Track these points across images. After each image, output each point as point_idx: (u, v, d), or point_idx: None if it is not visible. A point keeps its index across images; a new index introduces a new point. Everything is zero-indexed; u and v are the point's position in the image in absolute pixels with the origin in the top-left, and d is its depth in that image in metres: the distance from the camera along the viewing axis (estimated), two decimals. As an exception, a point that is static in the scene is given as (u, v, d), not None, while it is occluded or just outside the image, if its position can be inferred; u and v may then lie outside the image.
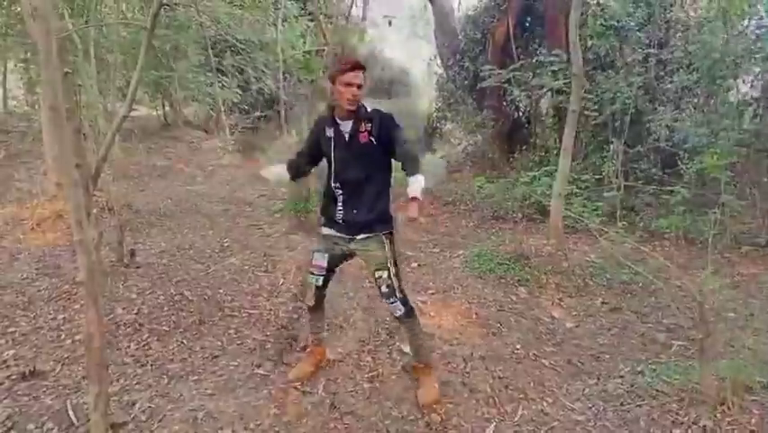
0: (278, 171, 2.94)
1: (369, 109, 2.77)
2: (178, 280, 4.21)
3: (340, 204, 2.82)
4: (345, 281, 4.35)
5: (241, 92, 12.00)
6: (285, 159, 2.97)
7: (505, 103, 8.47)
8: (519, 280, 4.59)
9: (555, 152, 6.73)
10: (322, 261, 2.89)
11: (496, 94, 8.12)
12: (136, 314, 3.65)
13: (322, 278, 2.93)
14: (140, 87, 5.30)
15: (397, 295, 2.80)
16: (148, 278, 4.19)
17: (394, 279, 2.78)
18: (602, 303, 4.31)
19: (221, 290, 4.13)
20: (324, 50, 7.51)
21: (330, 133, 2.78)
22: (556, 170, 4.90)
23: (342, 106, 2.71)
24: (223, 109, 11.42)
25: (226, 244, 5.23)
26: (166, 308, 3.75)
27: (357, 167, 2.74)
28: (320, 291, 2.98)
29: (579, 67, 4.70)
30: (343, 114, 2.74)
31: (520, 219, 6.07)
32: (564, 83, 5.81)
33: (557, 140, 7.01)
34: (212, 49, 11.22)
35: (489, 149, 8.20)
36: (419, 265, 5.03)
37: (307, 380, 3.03)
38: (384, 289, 2.79)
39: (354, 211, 2.78)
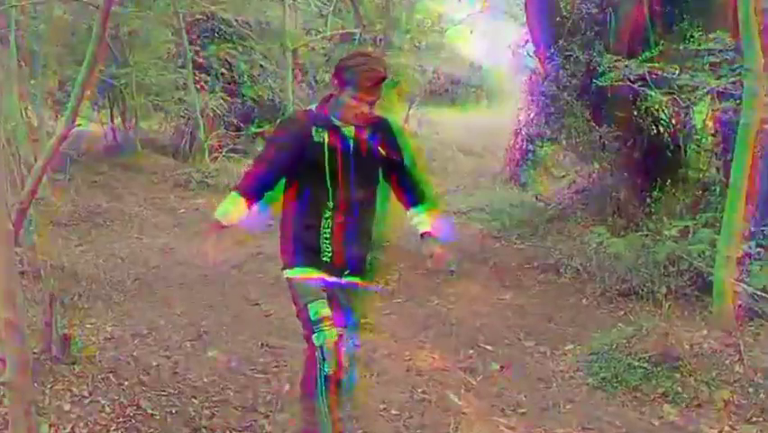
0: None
1: None
2: (131, 384, 4.26)
3: (326, 234, 3.21)
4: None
5: (228, 98, 12.33)
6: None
7: (637, 113, 8.46)
8: (665, 395, 4.50)
9: (719, 191, 6.65)
10: (324, 309, 3.18)
11: (623, 99, 8.12)
12: (68, 436, 3.71)
13: (335, 329, 3.18)
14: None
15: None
16: (87, 379, 4.24)
17: None
18: (804, 435, 4.16)
19: (195, 401, 4.17)
20: (354, 33, 7.73)
21: (322, 137, 3.15)
22: (722, 219, 4.83)
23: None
24: (202, 124, 11.77)
25: (204, 330, 5.32)
26: (113, 428, 3.78)
27: (359, 185, 3.22)
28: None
29: (756, 58, 4.70)
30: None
31: (665, 296, 5.98)
32: (731, 82, 5.80)
33: (722, 170, 6.94)
34: (187, 34, 11.63)
35: (613, 185, 8.17)
36: (503, 368, 5.00)
37: None
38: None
39: (346, 243, 3.24)
